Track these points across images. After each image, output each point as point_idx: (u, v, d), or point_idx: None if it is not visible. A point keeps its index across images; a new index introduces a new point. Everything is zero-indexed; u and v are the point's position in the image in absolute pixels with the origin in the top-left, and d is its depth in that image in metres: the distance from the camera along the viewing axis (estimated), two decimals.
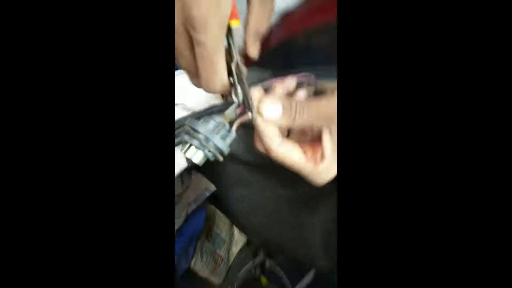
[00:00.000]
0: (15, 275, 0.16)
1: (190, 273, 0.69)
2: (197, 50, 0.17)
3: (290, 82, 0.24)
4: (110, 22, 0.16)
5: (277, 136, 0.21)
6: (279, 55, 0.41)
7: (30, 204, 0.16)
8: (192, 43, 0.17)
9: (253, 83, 0.21)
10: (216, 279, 0.72)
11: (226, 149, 0.19)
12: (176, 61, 0.19)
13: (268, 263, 0.71)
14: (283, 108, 0.20)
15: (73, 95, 0.16)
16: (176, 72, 0.58)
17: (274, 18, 0.41)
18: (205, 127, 0.18)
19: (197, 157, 0.18)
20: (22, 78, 0.16)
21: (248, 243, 0.80)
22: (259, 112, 0.20)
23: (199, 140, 0.18)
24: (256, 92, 0.21)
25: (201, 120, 0.19)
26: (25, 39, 0.16)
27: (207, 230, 0.75)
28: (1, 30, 0.15)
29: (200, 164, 0.19)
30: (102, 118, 0.17)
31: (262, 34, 0.20)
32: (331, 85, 0.24)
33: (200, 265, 0.70)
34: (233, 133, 0.20)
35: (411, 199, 0.17)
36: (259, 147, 0.22)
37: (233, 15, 0.17)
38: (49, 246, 0.16)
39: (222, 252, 0.76)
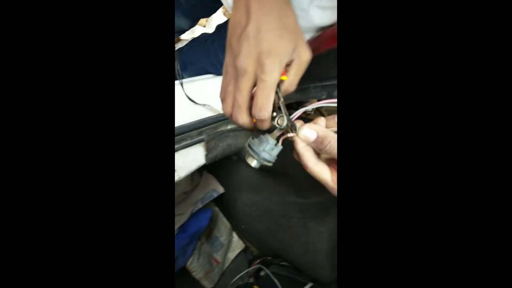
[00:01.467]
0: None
1: (185, 272, 0.68)
2: (260, 85, 0.23)
3: None
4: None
5: (313, 158, 0.26)
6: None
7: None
8: (254, 84, 0.24)
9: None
10: (208, 283, 0.72)
11: (272, 158, 0.28)
12: (220, 96, 0.29)
13: (263, 272, 0.71)
14: (317, 136, 0.26)
15: (73, 94, 0.18)
16: (203, 77, 0.60)
17: (309, 35, 0.44)
18: (257, 146, 0.28)
19: (254, 164, 0.28)
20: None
21: (245, 250, 0.80)
22: (298, 134, 0.26)
23: (253, 154, 0.27)
24: (298, 123, 0.27)
25: (256, 140, 0.28)
26: None
27: (208, 232, 0.75)
28: None
29: (256, 167, 0.28)
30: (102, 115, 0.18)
31: (289, 92, 0.27)
32: None
33: (195, 266, 0.70)
34: (279, 146, 0.28)
35: (413, 205, 0.17)
36: (297, 159, 0.28)
37: (284, 73, 0.25)
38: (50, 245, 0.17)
39: (218, 256, 0.75)
